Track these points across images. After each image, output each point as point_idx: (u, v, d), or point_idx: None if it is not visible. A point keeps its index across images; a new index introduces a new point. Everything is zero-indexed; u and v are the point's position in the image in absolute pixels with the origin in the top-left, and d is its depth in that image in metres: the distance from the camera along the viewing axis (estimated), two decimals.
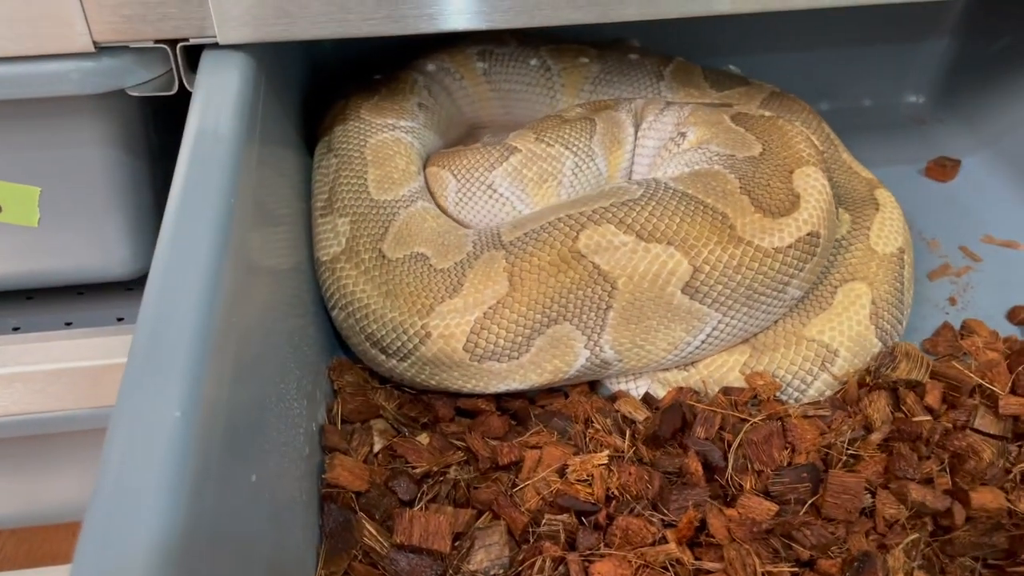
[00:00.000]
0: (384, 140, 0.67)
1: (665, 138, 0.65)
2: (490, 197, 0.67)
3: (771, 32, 0.93)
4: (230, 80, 0.53)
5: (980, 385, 0.57)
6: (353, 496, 0.51)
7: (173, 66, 0.55)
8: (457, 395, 0.59)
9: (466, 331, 0.55)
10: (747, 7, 0.57)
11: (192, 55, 0.56)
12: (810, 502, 0.50)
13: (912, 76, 0.95)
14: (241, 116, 0.51)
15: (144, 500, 0.31)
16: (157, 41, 0.54)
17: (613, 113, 0.67)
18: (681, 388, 0.58)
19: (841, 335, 0.58)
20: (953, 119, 0.92)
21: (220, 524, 0.34)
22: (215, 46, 0.55)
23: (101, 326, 0.71)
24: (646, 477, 0.50)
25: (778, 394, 0.58)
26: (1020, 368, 0.57)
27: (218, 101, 0.52)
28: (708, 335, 0.57)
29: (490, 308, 0.55)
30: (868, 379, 0.58)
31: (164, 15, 0.53)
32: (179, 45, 0.54)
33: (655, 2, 0.55)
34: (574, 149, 0.66)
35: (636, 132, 0.67)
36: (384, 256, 0.60)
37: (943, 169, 0.85)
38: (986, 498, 0.50)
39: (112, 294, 0.74)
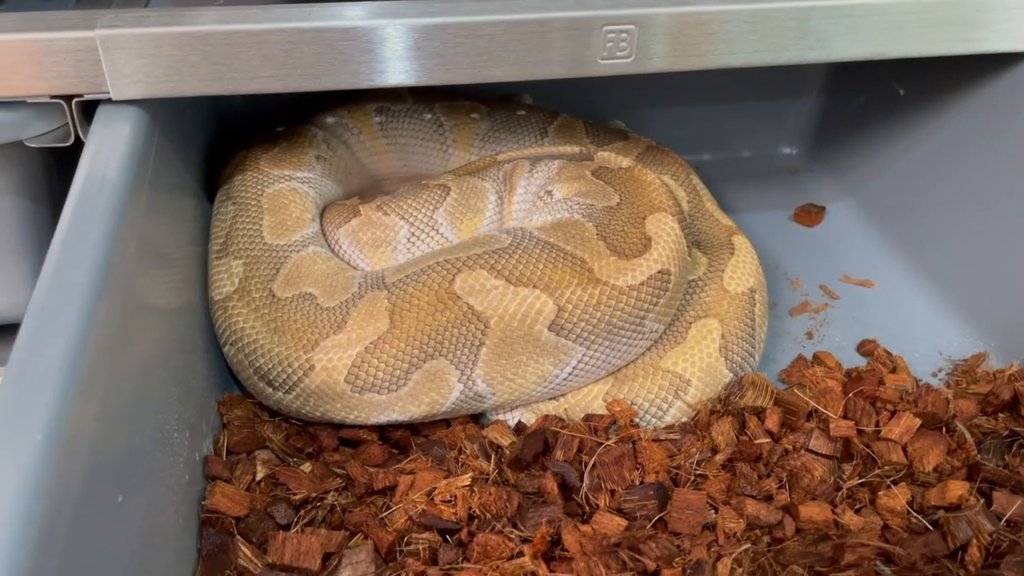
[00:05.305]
0: (280, 190, 0.72)
1: (535, 195, 0.71)
2: (339, 250, 0.73)
3: (659, 89, 1.00)
4: (122, 132, 0.57)
5: (816, 410, 0.62)
6: (232, 521, 0.54)
7: (69, 120, 0.59)
8: (341, 426, 0.63)
9: (348, 364, 0.59)
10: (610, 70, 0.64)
11: (89, 108, 0.60)
12: (658, 517, 0.55)
13: (786, 130, 1.03)
14: (130, 166, 0.55)
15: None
16: (53, 96, 0.57)
17: (476, 182, 0.73)
18: (547, 416, 0.63)
19: (693, 366, 0.64)
20: (821, 169, 1.00)
21: (78, 538, 0.37)
22: (109, 101, 0.59)
23: (4, 366, 0.73)
24: (505, 497, 0.54)
25: (638, 421, 0.63)
26: (851, 394, 0.64)
27: (107, 152, 0.55)
28: (574, 368, 0.62)
29: (371, 343, 0.59)
30: (719, 407, 0.63)
31: (60, 73, 0.57)
32: (74, 100, 0.58)
33: (516, 66, 0.61)
34: (411, 220, 0.73)
35: (510, 195, 0.73)
36: (274, 295, 0.63)
37: (809, 215, 0.92)
38: (813, 511, 0.56)
39: (14, 336, 0.76)
